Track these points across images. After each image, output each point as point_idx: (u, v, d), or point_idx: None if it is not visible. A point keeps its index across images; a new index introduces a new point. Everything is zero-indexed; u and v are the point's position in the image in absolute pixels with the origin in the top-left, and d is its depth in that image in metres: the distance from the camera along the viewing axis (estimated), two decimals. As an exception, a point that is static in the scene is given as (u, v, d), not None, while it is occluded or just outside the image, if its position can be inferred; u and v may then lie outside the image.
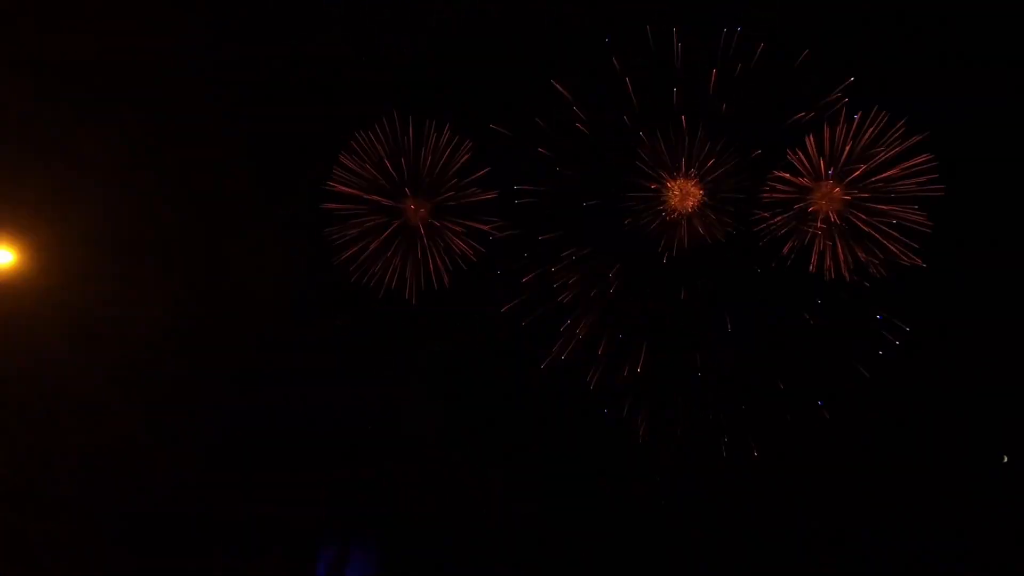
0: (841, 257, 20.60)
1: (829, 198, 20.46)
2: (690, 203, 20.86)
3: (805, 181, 20.61)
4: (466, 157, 23.56)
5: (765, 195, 20.68)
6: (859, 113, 20.28)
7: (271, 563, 24.11)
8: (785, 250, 20.87)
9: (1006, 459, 21.08)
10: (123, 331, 22.52)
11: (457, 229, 23.80)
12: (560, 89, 21.09)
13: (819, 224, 20.58)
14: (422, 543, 24.32)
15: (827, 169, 20.45)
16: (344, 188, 24.27)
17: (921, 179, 20.42)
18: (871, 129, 20.32)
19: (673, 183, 20.84)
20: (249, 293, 23.73)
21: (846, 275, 20.53)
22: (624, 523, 23.40)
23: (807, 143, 20.43)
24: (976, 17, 19.69)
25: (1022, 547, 20.20)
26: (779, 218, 20.78)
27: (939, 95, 20.25)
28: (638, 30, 19.98)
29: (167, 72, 22.50)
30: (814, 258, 20.66)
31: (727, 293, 21.26)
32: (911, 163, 20.38)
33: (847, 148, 20.35)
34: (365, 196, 24.03)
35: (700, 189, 20.74)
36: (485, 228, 23.50)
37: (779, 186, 20.64)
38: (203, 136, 22.98)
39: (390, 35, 23.13)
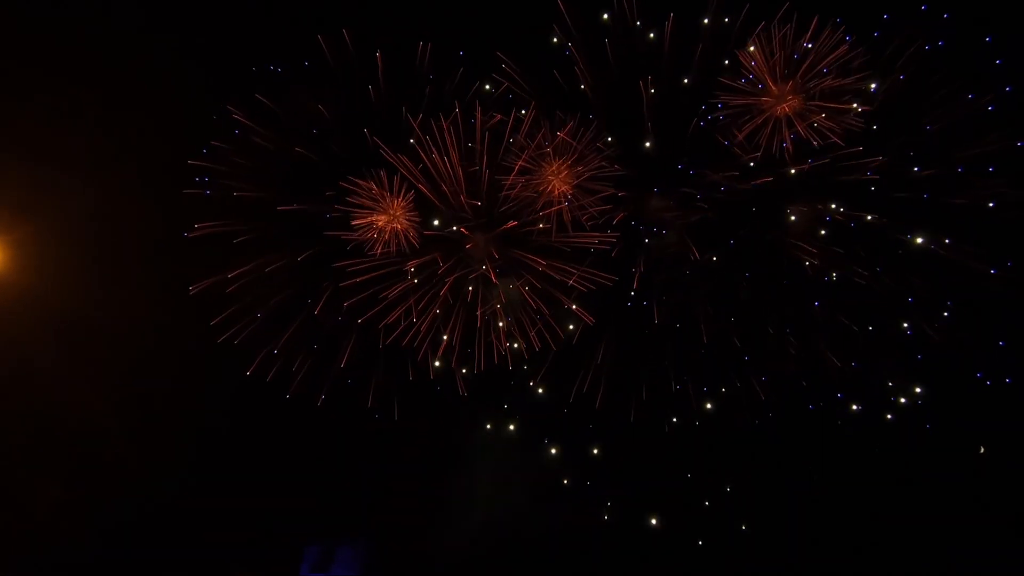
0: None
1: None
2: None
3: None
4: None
5: None
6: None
7: (257, 561, 24.29)
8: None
9: (983, 450, 19.84)
10: (106, 330, 22.49)
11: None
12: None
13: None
14: (406, 542, 24.12)
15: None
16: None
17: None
18: None
19: None
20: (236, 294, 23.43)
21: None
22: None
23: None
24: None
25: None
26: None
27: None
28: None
29: (152, 70, 22.33)
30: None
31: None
32: None
33: None
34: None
35: None
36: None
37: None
38: (190, 136, 22.71)
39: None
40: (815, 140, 17.94)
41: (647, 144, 18.82)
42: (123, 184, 22.59)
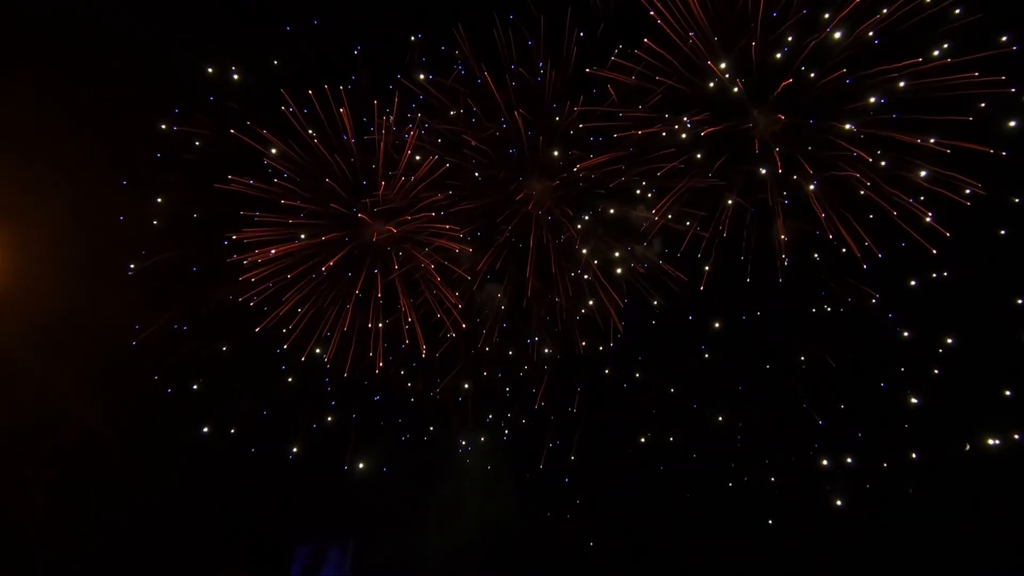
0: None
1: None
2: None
3: None
4: None
5: None
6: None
7: (248, 562, 24.45)
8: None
9: (968, 447, 18.62)
10: (92, 331, 22.49)
11: None
12: None
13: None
14: (395, 542, 24.05)
15: None
16: None
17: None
18: None
19: None
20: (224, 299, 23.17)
21: None
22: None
23: None
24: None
25: None
26: None
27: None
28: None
29: (141, 71, 22.01)
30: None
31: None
32: None
33: None
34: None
35: None
36: None
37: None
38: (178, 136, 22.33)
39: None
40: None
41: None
42: (107, 185, 22.41)
